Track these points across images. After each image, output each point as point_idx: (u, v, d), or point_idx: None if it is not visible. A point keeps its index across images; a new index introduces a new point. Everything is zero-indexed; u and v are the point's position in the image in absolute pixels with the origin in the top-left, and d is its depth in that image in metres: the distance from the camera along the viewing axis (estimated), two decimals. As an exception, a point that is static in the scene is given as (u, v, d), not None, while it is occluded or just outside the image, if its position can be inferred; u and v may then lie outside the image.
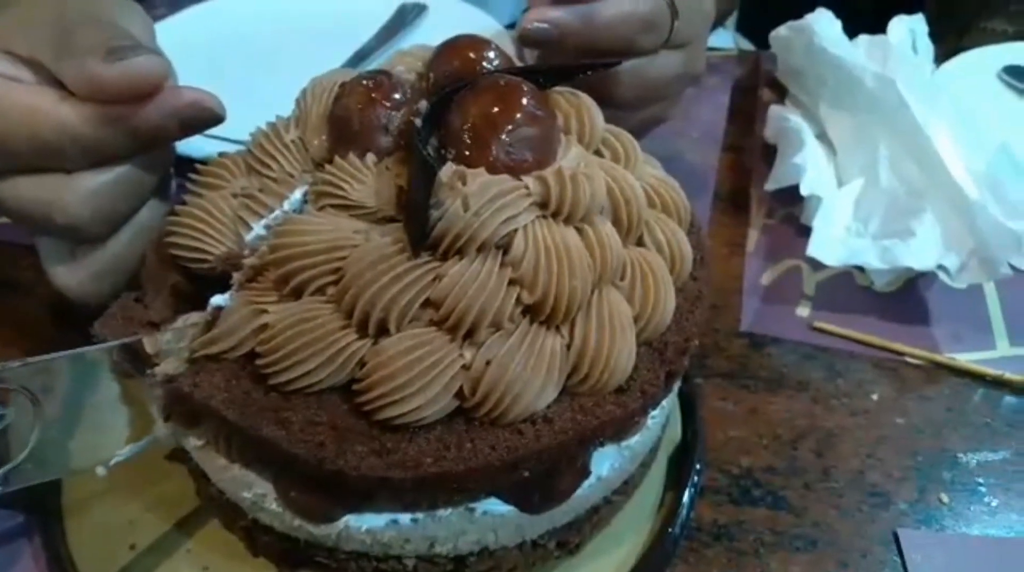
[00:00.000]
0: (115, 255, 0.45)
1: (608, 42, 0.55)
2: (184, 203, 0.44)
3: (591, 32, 0.54)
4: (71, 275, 0.45)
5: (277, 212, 0.42)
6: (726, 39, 1.21)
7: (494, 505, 0.39)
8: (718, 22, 0.97)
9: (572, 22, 0.54)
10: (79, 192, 0.43)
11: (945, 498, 0.50)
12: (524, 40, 0.55)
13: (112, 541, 0.44)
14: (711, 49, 0.93)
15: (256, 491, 0.39)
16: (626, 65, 0.57)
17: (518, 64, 0.45)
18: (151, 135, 0.43)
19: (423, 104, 0.40)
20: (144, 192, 0.46)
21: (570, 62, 0.44)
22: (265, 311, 0.38)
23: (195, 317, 0.39)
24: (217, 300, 0.39)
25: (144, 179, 0.45)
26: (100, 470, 0.40)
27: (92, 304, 0.45)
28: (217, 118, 0.45)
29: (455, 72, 0.43)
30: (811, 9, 0.78)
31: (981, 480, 0.51)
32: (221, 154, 0.46)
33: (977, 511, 0.50)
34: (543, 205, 0.38)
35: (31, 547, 0.45)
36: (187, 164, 0.47)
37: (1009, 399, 0.56)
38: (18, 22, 0.45)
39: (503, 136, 0.38)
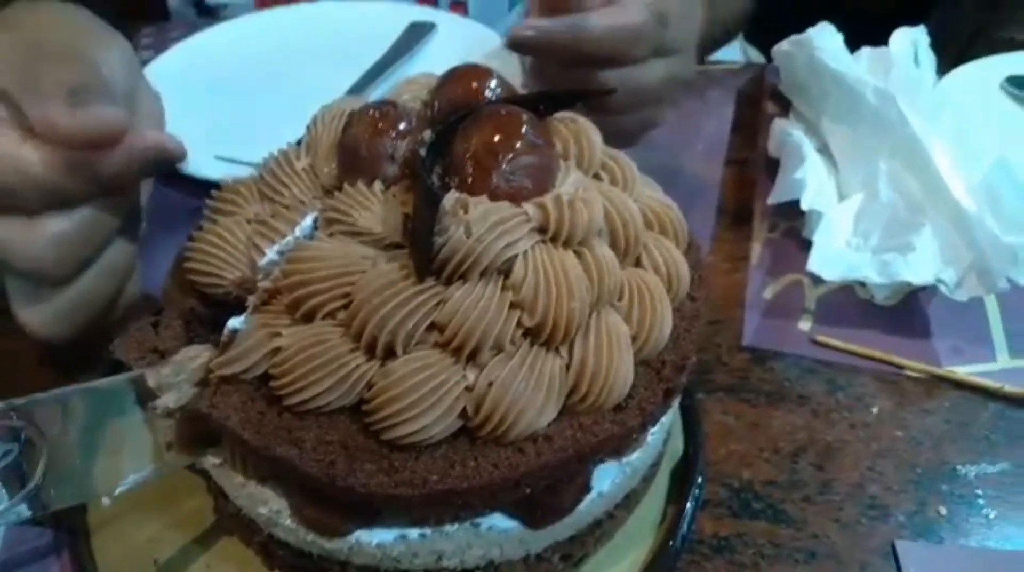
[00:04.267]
0: (80, 296, 0.45)
1: (597, 52, 0.57)
2: (201, 228, 0.46)
3: (579, 42, 0.56)
4: (35, 315, 0.45)
5: (289, 238, 0.44)
6: (733, 49, 1.22)
7: (499, 520, 0.41)
8: (730, 37, 0.99)
9: (560, 31, 0.56)
10: (40, 236, 0.42)
11: (943, 510, 0.51)
12: (513, 45, 0.57)
13: (136, 557, 0.46)
14: (716, 62, 0.95)
15: (271, 507, 0.41)
16: (615, 72, 0.58)
17: (519, 92, 0.46)
18: (112, 180, 0.43)
19: (427, 134, 0.42)
20: (108, 234, 0.46)
21: (569, 89, 0.45)
22: (278, 334, 0.40)
23: (195, 350, 0.41)
24: (233, 323, 0.41)
25: (107, 222, 0.45)
26: (105, 500, 0.42)
27: (58, 343, 0.46)
28: (177, 159, 0.45)
29: (458, 101, 0.44)
30: (818, 17, 0.79)
31: (979, 492, 0.52)
32: (235, 180, 0.48)
33: (975, 523, 0.50)
34: (542, 230, 0.40)
35: (59, 563, 0.47)
36: (204, 186, 0.49)
37: (1008, 412, 0.57)
38: None
39: (503, 165, 0.39)
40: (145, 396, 0.41)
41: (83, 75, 0.42)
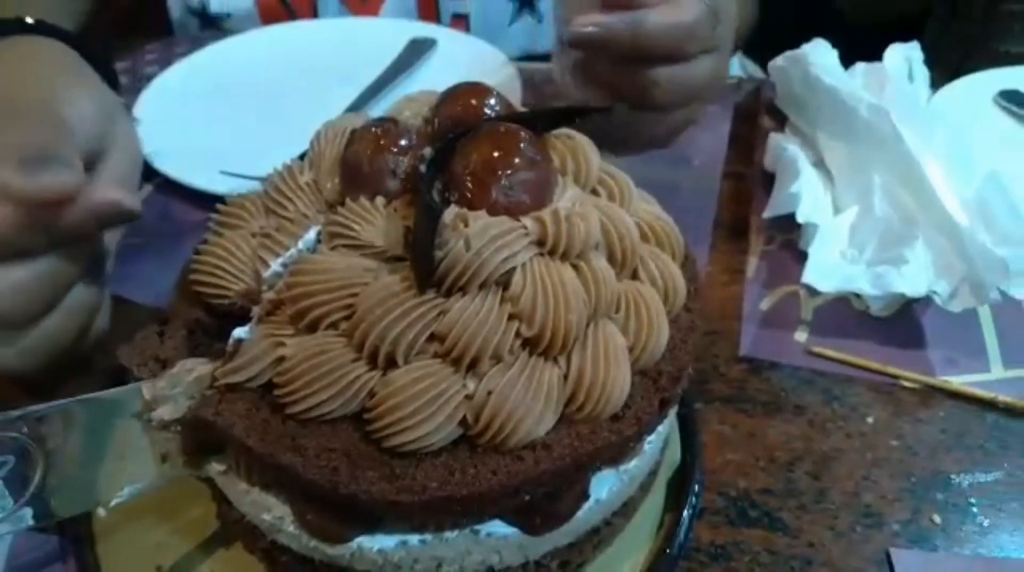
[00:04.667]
0: (45, 336, 0.47)
1: (653, 48, 0.57)
2: (206, 241, 0.47)
3: (637, 38, 0.56)
4: (1, 353, 0.46)
5: (293, 251, 0.45)
6: (731, 62, 1.23)
7: (498, 527, 0.42)
8: (737, 47, 1.00)
9: (620, 27, 0.56)
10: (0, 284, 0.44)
11: (937, 519, 0.52)
12: (574, 43, 0.57)
13: (140, 564, 0.47)
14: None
15: (275, 514, 0.42)
16: (667, 69, 0.59)
17: (519, 110, 0.47)
18: (69, 234, 0.45)
19: (428, 150, 0.43)
20: (69, 281, 0.47)
21: (567, 106, 0.46)
22: (283, 344, 0.41)
23: (191, 364, 0.42)
24: (238, 333, 0.42)
25: (67, 270, 0.47)
26: (100, 511, 0.43)
27: (25, 379, 0.47)
28: (133, 216, 0.47)
29: (458, 118, 0.45)
30: (814, 31, 0.80)
31: (973, 501, 0.53)
32: (240, 194, 0.49)
33: (969, 531, 0.51)
34: (540, 244, 0.41)
35: (64, 570, 0.48)
36: (209, 198, 0.49)
37: (1002, 422, 0.58)
38: None
39: (502, 180, 0.40)
40: (144, 408, 0.42)
41: (42, 137, 0.45)
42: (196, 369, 0.42)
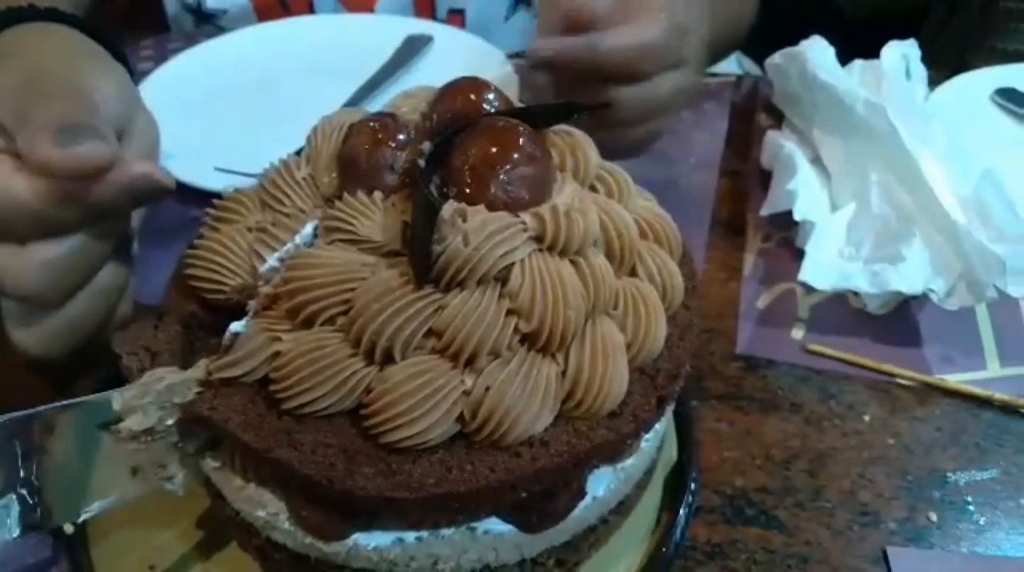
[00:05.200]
0: (72, 318, 0.46)
1: (613, 68, 0.58)
2: (202, 236, 0.47)
3: (595, 59, 0.57)
4: (28, 335, 0.46)
5: (289, 245, 0.45)
6: (728, 59, 1.23)
7: (494, 525, 0.41)
8: (727, 52, 1.00)
9: (577, 50, 0.57)
10: (31, 264, 0.44)
11: (934, 517, 0.52)
12: (533, 65, 0.58)
13: (134, 565, 0.47)
14: (711, 73, 0.96)
15: (269, 510, 0.41)
16: (627, 89, 0.60)
17: (516, 105, 0.47)
18: (102, 209, 0.45)
19: (426, 145, 0.43)
20: (99, 260, 0.47)
21: (566, 103, 0.46)
22: (279, 339, 0.40)
23: (161, 372, 0.41)
24: (235, 327, 0.41)
25: (98, 248, 0.46)
26: (68, 528, 0.42)
27: (52, 361, 0.47)
28: (166, 190, 0.46)
29: (456, 113, 0.45)
30: (812, 29, 0.80)
31: (970, 499, 0.53)
32: (237, 189, 0.49)
33: (965, 529, 0.51)
34: (539, 239, 0.41)
35: (58, 571, 0.47)
36: (204, 195, 0.49)
37: (998, 419, 0.58)
38: None
39: (501, 175, 0.40)
40: (114, 420, 0.41)
41: (74, 110, 0.44)
42: (167, 378, 0.41)
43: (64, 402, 0.41)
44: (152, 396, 0.40)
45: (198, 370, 0.41)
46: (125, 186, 0.44)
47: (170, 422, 0.41)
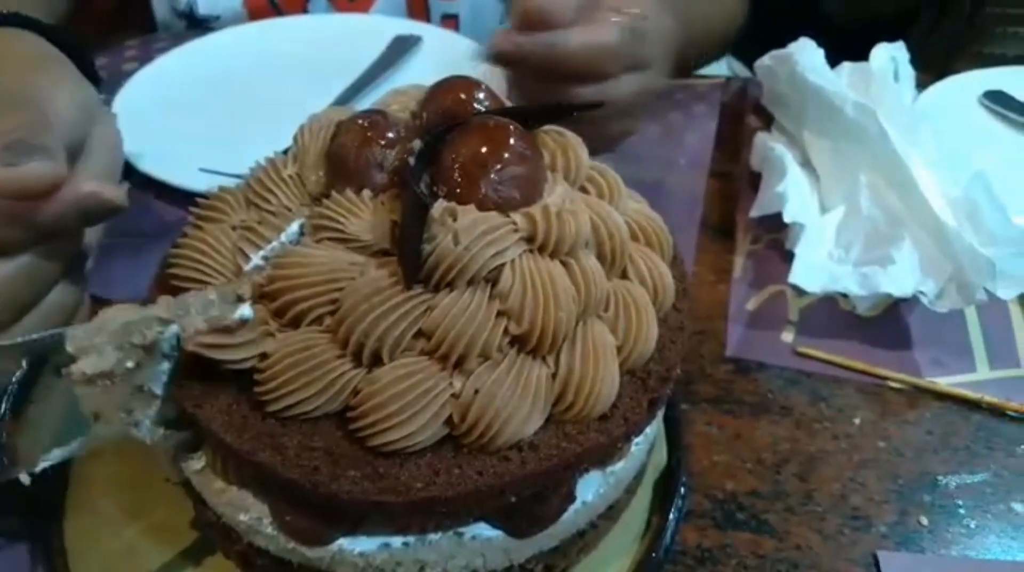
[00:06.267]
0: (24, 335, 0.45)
1: (572, 67, 0.60)
2: (185, 235, 0.46)
3: (554, 57, 0.59)
4: None
5: (275, 243, 0.44)
6: (718, 63, 1.23)
7: (482, 530, 0.41)
8: (712, 54, 1.00)
9: (536, 47, 0.58)
10: None
11: (925, 520, 0.52)
12: (491, 58, 0.60)
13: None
14: (700, 75, 0.96)
15: (252, 515, 0.40)
16: (588, 88, 0.61)
17: (507, 105, 0.46)
18: (50, 229, 0.44)
19: (416, 143, 0.42)
20: (49, 279, 0.46)
21: (557, 103, 0.46)
22: (273, 334, 0.39)
23: (115, 311, 0.38)
24: (244, 311, 0.39)
25: (48, 267, 0.46)
26: (24, 477, 0.39)
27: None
28: (117, 208, 0.46)
29: (447, 112, 0.44)
30: (801, 31, 0.80)
31: (960, 503, 0.53)
32: (221, 188, 0.48)
33: (956, 533, 0.51)
34: (530, 240, 0.40)
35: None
36: (189, 196, 0.49)
37: (988, 422, 0.58)
38: None
39: (492, 175, 0.40)
40: (67, 361, 0.37)
41: (23, 126, 0.43)
42: (121, 316, 0.38)
43: (14, 341, 0.39)
44: (106, 335, 0.38)
45: (159, 308, 0.38)
46: (73, 205, 0.44)
47: (130, 365, 0.38)
